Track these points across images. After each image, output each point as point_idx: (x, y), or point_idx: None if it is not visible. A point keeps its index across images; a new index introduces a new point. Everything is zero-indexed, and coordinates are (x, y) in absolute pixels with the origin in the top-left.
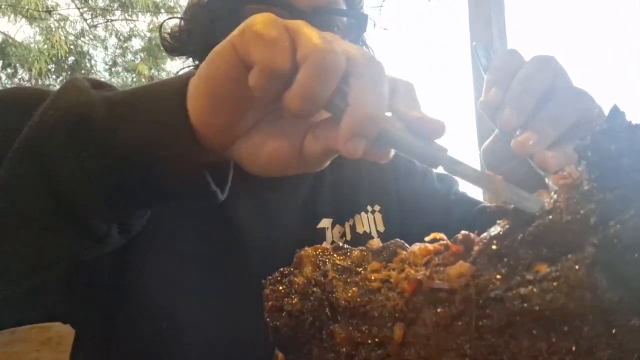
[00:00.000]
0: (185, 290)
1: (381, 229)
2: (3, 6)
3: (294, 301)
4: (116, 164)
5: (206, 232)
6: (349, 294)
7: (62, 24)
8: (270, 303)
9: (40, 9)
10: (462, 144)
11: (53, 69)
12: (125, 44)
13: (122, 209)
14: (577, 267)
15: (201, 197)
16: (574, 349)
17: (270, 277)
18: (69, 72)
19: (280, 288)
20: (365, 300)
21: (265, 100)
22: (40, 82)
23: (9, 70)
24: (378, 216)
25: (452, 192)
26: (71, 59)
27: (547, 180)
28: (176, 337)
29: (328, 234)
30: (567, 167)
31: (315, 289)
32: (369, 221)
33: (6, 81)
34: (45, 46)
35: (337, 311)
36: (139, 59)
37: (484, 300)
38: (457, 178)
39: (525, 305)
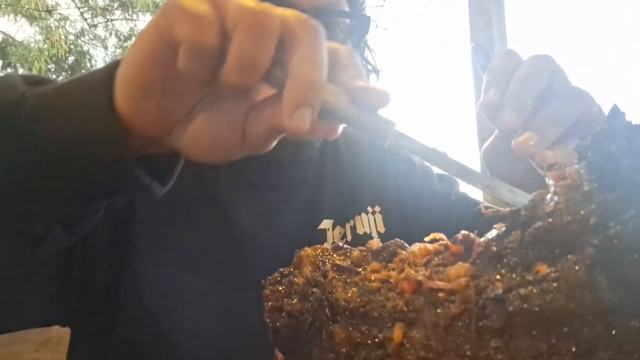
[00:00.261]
0: (185, 290)
1: (381, 229)
2: (3, 6)
3: (293, 301)
4: (43, 160)
5: (206, 232)
6: (349, 294)
7: (62, 23)
8: (270, 303)
9: (40, 9)
10: (462, 144)
11: (53, 69)
12: (125, 44)
13: (58, 206)
14: (577, 267)
15: (132, 190)
16: (574, 349)
17: (270, 278)
18: (69, 72)
19: (280, 288)
20: (365, 301)
21: (199, 82)
22: None
23: (9, 70)
24: (378, 217)
25: (452, 192)
26: (71, 58)
27: (547, 180)
28: (176, 338)
29: (329, 235)
30: (567, 167)
31: (315, 289)
32: (369, 222)
33: None
34: (45, 46)
35: (336, 311)
36: None
37: (484, 300)
38: (456, 178)
39: (525, 305)
